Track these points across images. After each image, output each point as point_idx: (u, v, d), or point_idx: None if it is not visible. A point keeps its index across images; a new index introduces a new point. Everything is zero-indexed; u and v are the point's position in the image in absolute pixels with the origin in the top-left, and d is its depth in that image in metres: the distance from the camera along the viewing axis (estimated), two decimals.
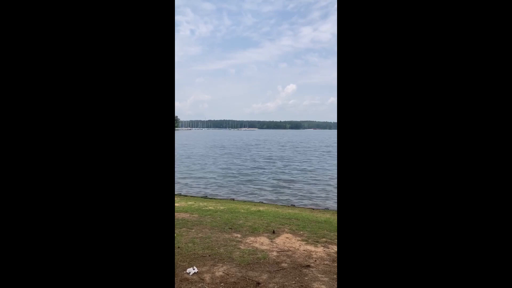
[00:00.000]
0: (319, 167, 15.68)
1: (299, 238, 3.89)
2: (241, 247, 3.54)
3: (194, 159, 18.46)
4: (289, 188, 10.26)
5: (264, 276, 2.75)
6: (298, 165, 16.51)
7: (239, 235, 3.98)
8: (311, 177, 12.61)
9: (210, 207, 5.88)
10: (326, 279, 2.69)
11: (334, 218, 5.43)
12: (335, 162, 17.68)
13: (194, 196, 8.28)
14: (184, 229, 4.14)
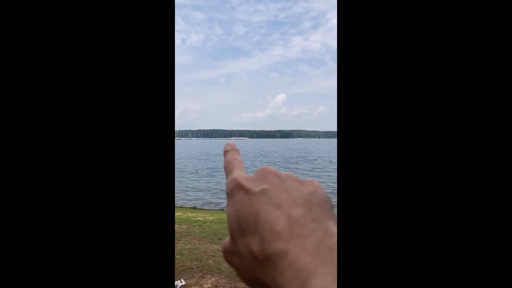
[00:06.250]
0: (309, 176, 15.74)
1: None
2: None
3: (183, 169, 18.27)
4: None
5: None
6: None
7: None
8: None
9: (199, 218, 5.79)
10: None
11: None
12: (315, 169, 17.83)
13: (183, 207, 8.15)
14: None
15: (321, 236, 0.19)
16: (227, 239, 0.24)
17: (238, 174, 0.25)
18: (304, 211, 0.20)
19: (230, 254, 0.23)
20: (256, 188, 0.22)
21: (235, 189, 0.23)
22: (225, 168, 0.28)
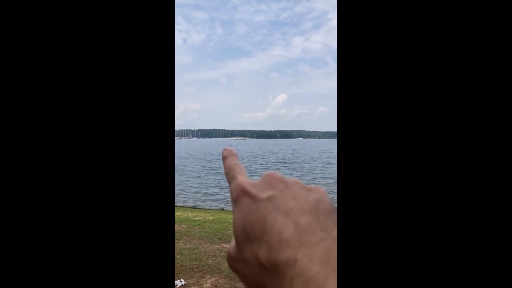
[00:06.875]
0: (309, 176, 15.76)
1: None
2: None
3: (182, 170, 18.27)
4: None
5: None
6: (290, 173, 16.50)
7: (228, 246, 3.91)
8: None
9: (199, 218, 5.79)
10: None
11: None
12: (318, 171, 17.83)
13: (183, 207, 8.14)
14: None
15: (330, 245, 0.19)
16: (232, 245, 0.24)
17: (243, 179, 0.24)
18: (312, 219, 0.20)
19: (235, 261, 0.23)
20: (263, 194, 0.22)
21: (241, 195, 0.23)
22: (227, 174, 0.27)
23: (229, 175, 0.26)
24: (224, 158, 0.29)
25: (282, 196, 0.22)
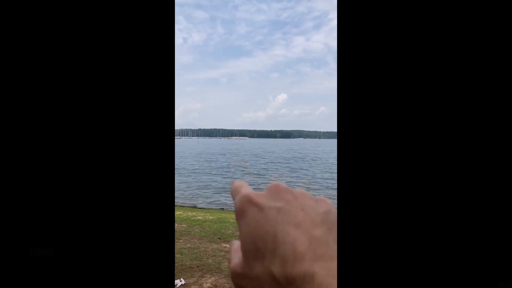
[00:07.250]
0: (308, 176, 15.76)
1: None
2: None
3: (182, 169, 18.26)
4: None
5: None
6: (288, 174, 16.54)
7: (228, 245, 3.92)
8: (297, 184, 12.62)
9: (199, 217, 5.79)
10: None
11: None
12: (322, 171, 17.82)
13: (183, 206, 8.14)
14: None
15: None
16: (235, 261, 0.22)
17: (248, 191, 0.24)
18: (324, 231, 0.20)
19: (243, 278, 0.21)
20: (271, 205, 0.21)
21: (247, 206, 0.22)
22: (233, 194, 0.26)
23: (234, 192, 0.26)
24: (232, 184, 0.28)
25: (291, 207, 0.21)
